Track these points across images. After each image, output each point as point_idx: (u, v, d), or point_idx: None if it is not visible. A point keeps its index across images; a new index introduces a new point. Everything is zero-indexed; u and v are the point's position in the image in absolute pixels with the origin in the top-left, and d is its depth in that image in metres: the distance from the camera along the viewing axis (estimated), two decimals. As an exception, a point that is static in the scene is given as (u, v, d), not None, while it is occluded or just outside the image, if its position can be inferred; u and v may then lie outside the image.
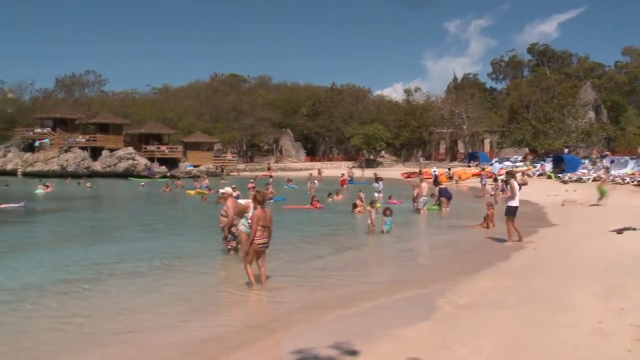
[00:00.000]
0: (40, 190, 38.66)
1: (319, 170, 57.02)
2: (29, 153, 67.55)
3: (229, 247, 13.83)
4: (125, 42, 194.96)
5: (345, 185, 39.31)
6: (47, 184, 41.56)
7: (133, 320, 8.63)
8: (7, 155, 69.17)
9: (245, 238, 12.50)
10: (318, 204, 26.41)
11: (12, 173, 63.91)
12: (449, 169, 50.40)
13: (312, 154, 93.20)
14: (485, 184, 33.66)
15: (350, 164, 77.00)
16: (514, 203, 14.97)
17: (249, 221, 12.49)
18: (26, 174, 62.57)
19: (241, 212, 12.96)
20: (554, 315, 8.01)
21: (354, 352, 6.60)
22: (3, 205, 27.25)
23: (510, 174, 16.73)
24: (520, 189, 15.84)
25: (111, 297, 10.03)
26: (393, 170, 62.97)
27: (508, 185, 15.93)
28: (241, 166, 79.33)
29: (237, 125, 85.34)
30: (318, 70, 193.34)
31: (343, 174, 45.08)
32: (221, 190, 14.13)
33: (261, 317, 9.06)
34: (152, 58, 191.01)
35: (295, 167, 79.31)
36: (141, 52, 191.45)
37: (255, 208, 10.42)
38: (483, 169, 49.46)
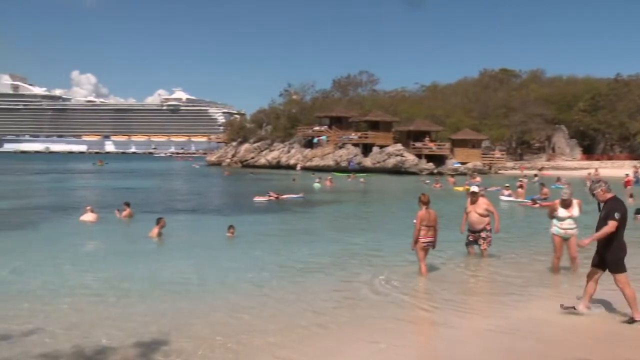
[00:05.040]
0: (317, 184, 41.69)
1: (595, 169, 52.68)
2: (308, 149, 73.67)
3: (484, 246, 13.00)
4: (396, 43, 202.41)
5: (629, 187, 35.41)
6: (329, 177, 44.96)
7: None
8: (291, 151, 76.46)
9: (559, 242, 11.35)
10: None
11: (292, 167, 70.34)
12: None
13: (588, 152, 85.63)
14: None
15: (635, 163, 69.12)
16: None
17: (561, 223, 11.29)
18: (304, 168, 68.23)
19: (551, 212, 11.53)
20: None
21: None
22: (285, 196, 30.38)
23: None
24: None
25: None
26: (689, 171, 54.76)
27: None
28: (510, 164, 76.23)
29: (507, 122, 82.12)
30: (599, 61, 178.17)
31: (627, 174, 40.63)
32: (472, 189, 13.41)
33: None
34: (422, 57, 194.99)
35: (569, 166, 73.61)
36: (412, 52, 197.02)
37: (420, 208, 10.95)
38: None
